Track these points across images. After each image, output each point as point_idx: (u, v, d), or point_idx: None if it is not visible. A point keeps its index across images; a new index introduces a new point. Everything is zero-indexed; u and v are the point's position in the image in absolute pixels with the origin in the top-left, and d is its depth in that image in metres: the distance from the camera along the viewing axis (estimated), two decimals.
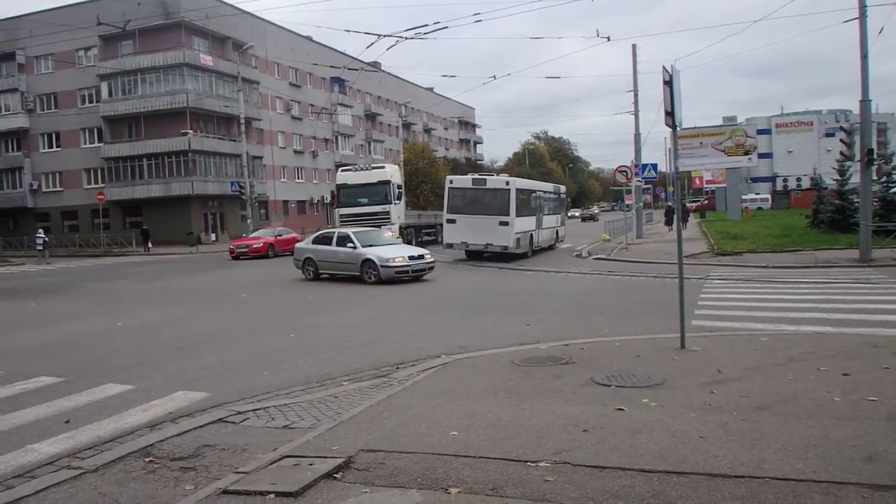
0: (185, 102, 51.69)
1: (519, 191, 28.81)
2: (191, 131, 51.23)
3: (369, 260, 21.10)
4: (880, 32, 30.79)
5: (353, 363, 9.72)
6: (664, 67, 9.52)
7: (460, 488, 4.86)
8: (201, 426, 6.81)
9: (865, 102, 23.33)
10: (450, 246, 28.46)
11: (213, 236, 54.63)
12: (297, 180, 68.63)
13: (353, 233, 22.73)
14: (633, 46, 38.57)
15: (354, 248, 21.69)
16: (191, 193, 52.19)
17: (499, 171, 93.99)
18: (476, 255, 28.80)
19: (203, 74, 53.76)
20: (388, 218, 33.49)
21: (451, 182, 29.42)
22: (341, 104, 72.85)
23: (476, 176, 32.23)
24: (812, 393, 7.05)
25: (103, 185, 53.92)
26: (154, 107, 52.37)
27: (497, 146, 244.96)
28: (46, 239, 42.65)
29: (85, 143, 56.59)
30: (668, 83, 9.40)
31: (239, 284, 22.55)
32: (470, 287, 19.51)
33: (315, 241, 23.56)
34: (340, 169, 34.99)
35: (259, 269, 29.11)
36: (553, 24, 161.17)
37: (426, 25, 25.19)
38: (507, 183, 28.41)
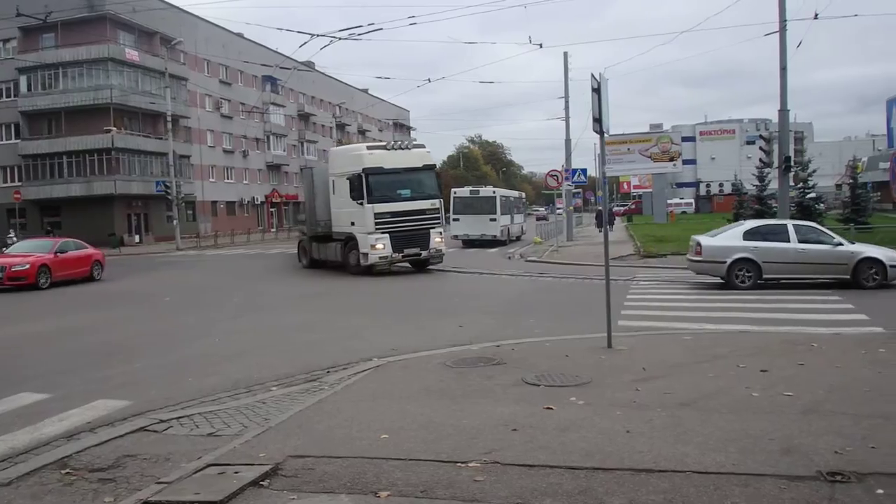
0: (110, 98, 50.16)
1: (501, 197, 40.26)
2: (115, 128, 49.81)
3: (870, 260, 16.03)
4: (798, 46, 31.92)
5: (283, 367, 9.61)
6: (593, 75, 9.75)
7: (390, 491, 4.87)
8: (122, 435, 6.58)
9: (784, 112, 24.17)
10: (456, 237, 37.41)
11: (136, 238, 53.25)
12: (226, 180, 67.43)
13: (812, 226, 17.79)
14: (565, 54, 39.24)
15: (836, 245, 16.44)
16: (114, 193, 50.64)
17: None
18: (471, 244, 37.65)
19: (129, 70, 52.30)
20: (438, 219, 24.79)
21: (455, 193, 40.30)
22: (273, 103, 71.86)
23: (472, 188, 42.70)
24: (732, 389, 7.32)
25: (20, 183, 51.77)
26: (76, 102, 50.58)
27: (432, 148, 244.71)
28: None
29: (1, 140, 54.49)
30: (597, 90, 9.63)
31: (163, 286, 22.08)
32: (404, 290, 19.52)
33: (748, 237, 16.90)
34: (367, 146, 23.75)
35: (187, 269, 28.58)
36: (491, 29, 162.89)
37: (360, 26, 25.18)
38: (494, 192, 40.28)
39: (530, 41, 49.12)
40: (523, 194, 51.02)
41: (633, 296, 15.92)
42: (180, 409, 7.64)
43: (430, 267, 24.41)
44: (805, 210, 33.34)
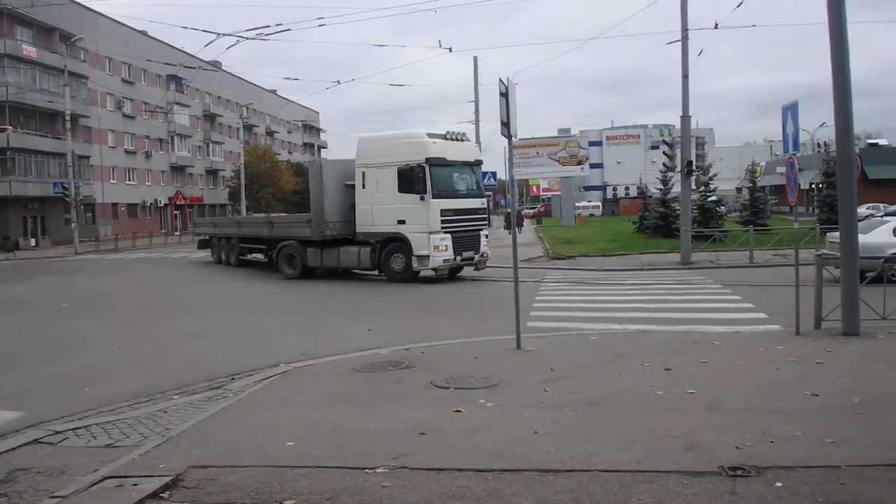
0: (5, 96, 47.86)
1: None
2: (10, 127, 47.66)
3: None
4: (700, 54, 33.03)
5: (185, 375, 9.31)
6: (501, 80, 9.84)
7: (296, 500, 4.76)
8: (14, 448, 6.26)
9: (685, 118, 24.98)
10: None
11: (32, 241, 50.98)
12: (128, 182, 65.33)
13: None
14: (475, 59, 39.45)
15: None
16: (8, 195, 48.30)
17: None
18: None
19: (26, 67, 50.01)
20: (487, 220, 23.26)
21: None
22: (178, 103, 70.04)
23: None
24: (637, 387, 7.46)
25: None
26: None
27: (343, 150, 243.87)
28: None
29: None
30: (505, 95, 9.72)
31: (60, 292, 21.17)
32: (312, 294, 19.24)
33: None
34: (426, 133, 20.55)
35: (86, 274, 27.52)
36: (402, 32, 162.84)
37: (268, 26, 24.76)
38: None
39: (440, 45, 49.24)
40: None
41: (542, 297, 16.11)
42: (77, 419, 7.32)
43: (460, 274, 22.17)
44: (706, 212, 34.58)
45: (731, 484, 4.81)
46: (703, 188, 36.09)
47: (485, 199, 22.49)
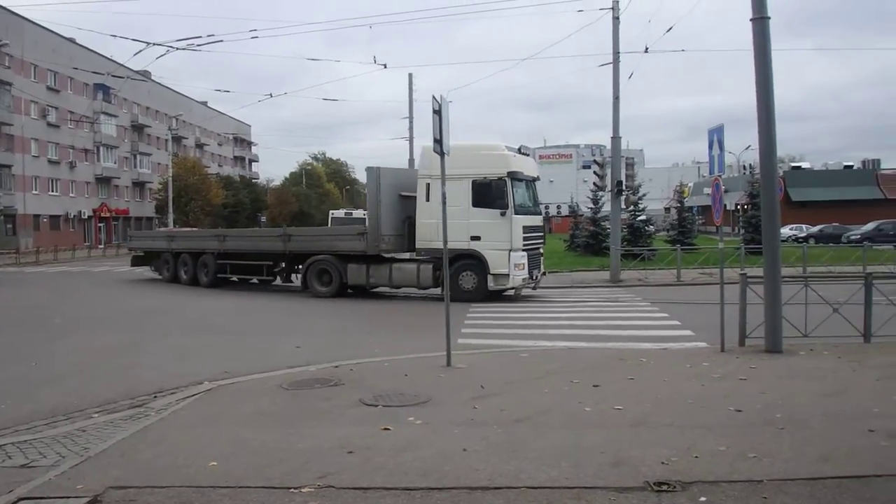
0: None
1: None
2: None
3: None
4: (630, 77, 33.78)
5: (105, 392, 8.99)
6: (434, 97, 9.87)
7: None
8: None
9: (616, 139, 25.50)
10: None
11: None
12: (51, 193, 63.36)
13: None
14: (410, 75, 39.68)
15: None
16: None
17: (273, 190, 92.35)
18: None
19: None
20: (544, 237, 22.01)
21: (332, 213, 44.39)
22: (105, 113, 68.32)
23: (346, 210, 48.58)
24: (566, 404, 7.50)
25: None
26: None
27: (276, 165, 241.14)
28: None
29: None
30: (438, 112, 9.76)
31: None
32: (242, 310, 18.88)
33: None
34: (505, 146, 19.47)
35: (4, 287, 26.51)
36: (336, 46, 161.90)
37: (200, 37, 24.34)
38: (364, 213, 37.71)
39: (375, 61, 49.14)
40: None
41: (474, 314, 16.11)
42: None
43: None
44: (636, 231, 35.27)
45: (657, 499, 4.87)
46: (632, 208, 36.86)
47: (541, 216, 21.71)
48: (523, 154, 20.03)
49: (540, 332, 13.26)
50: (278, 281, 23.72)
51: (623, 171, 31.50)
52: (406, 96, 38.83)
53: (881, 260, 27.23)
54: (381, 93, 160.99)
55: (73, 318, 17.14)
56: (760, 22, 10.65)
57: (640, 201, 37.53)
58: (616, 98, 25.09)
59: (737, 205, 53.18)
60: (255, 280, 24.19)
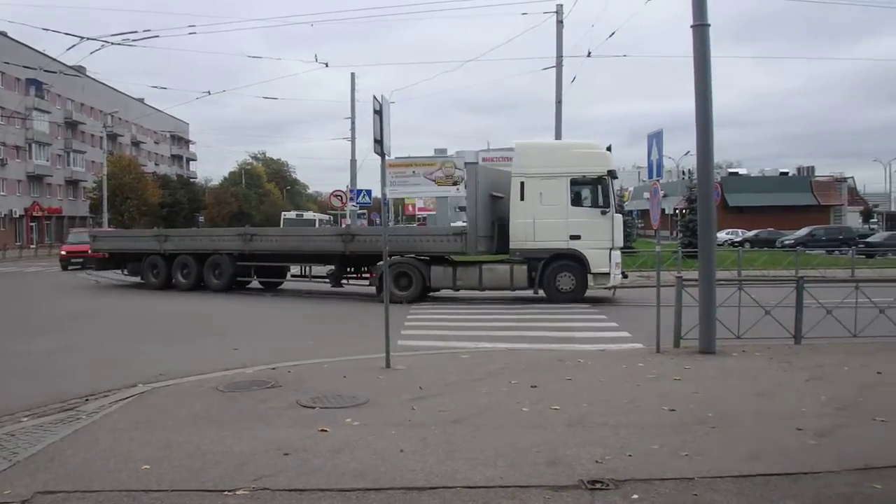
0: None
1: (318, 219, 45.57)
2: None
3: None
4: (573, 81, 34.20)
5: (36, 396, 8.70)
6: (375, 97, 9.84)
7: None
8: None
9: None
10: None
11: None
12: None
13: None
14: (352, 75, 39.39)
15: None
16: None
17: (211, 190, 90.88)
18: None
19: None
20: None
21: (284, 215, 46.21)
22: (37, 109, 66.35)
23: (297, 211, 51.47)
24: (504, 404, 7.56)
25: None
26: None
27: (215, 164, 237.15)
28: None
29: None
30: (379, 112, 9.73)
31: None
32: (180, 311, 18.55)
33: None
34: (598, 144, 19.66)
35: None
36: (278, 44, 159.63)
37: (136, 32, 23.78)
38: (314, 215, 46.01)
39: (316, 59, 48.77)
40: (331, 217, 51.72)
41: (415, 315, 16.12)
42: None
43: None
44: None
45: (590, 497, 4.94)
46: None
47: None
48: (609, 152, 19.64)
49: (481, 334, 13.30)
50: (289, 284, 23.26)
51: None
52: (349, 96, 38.55)
53: (813, 264, 28.07)
54: (324, 92, 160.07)
55: (2, 321, 16.63)
56: (700, 29, 10.88)
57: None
58: (559, 102, 25.39)
59: (675, 209, 54.23)
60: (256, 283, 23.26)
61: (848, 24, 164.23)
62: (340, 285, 21.25)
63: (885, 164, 79.02)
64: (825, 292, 12.20)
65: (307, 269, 22.30)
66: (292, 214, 47.81)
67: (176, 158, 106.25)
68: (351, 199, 35.36)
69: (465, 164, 19.74)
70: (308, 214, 48.69)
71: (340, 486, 5.16)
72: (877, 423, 6.88)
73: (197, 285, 22.73)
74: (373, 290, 20.00)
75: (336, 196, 35.20)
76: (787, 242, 43.27)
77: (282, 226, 40.39)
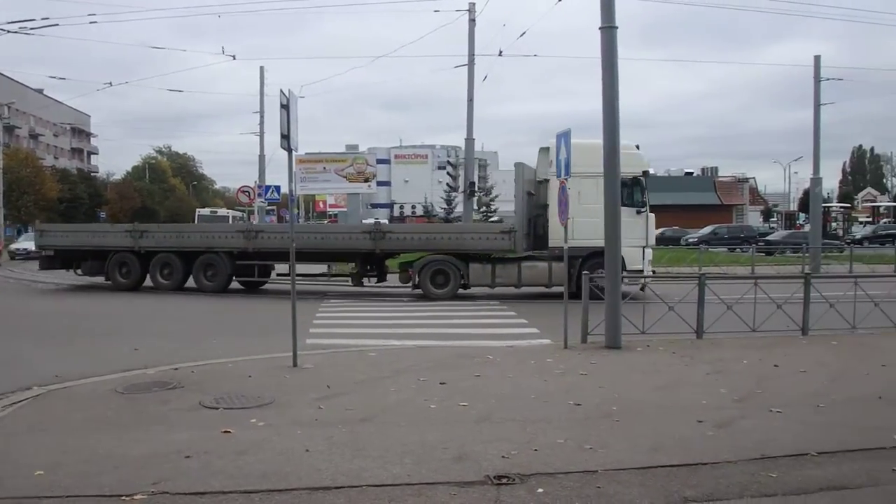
0: None
1: (231, 216, 44.13)
2: None
3: None
4: (484, 79, 34.43)
5: None
6: (282, 91, 9.67)
7: None
8: None
9: (470, 140, 25.91)
10: None
11: None
12: None
13: None
14: (261, 68, 38.66)
15: None
16: None
17: (114, 184, 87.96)
18: None
19: None
20: None
21: (199, 212, 45.80)
22: None
23: (211, 209, 50.03)
24: (412, 402, 7.56)
25: None
26: None
27: (118, 157, 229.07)
28: None
29: None
30: (286, 107, 9.57)
31: None
32: (79, 310, 17.85)
33: None
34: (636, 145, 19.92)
35: None
36: (186, 35, 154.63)
37: (33, 20, 22.80)
38: (227, 213, 45.14)
39: (223, 52, 47.77)
40: (243, 214, 50.03)
41: (323, 314, 15.95)
42: None
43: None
44: None
45: (496, 492, 4.97)
46: (484, 208, 37.58)
47: None
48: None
49: (390, 332, 13.26)
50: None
51: (476, 173, 32.10)
52: (258, 90, 37.83)
53: (716, 262, 29.06)
54: (232, 86, 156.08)
55: None
56: (608, 31, 11.11)
57: (492, 202, 38.33)
58: (470, 100, 25.52)
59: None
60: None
61: (752, 31, 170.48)
62: (362, 283, 20.83)
63: (785, 166, 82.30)
64: (726, 289, 12.64)
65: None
66: (206, 212, 47.77)
67: (76, 152, 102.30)
68: (259, 195, 34.77)
69: (515, 164, 19.62)
70: (222, 211, 48.36)
71: (244, 487, 5.05)
72: (773, 414, 7.16)
73: (181, 286, 21.11)
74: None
75: (244, 192, 34.56)
76: (691, 240, 44.63)
77: (196, 222, 40.30)
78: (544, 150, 19.79)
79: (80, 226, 28.80)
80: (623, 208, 17.22)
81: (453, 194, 40.37)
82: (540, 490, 5.01)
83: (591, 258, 18.08)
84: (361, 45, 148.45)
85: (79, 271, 22.37)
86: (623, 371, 9.40)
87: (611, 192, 11.68)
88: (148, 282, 21.33)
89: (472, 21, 25.20)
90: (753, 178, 72.23)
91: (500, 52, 25.70)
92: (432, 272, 19.43)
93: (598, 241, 17.16)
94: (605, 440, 6.18)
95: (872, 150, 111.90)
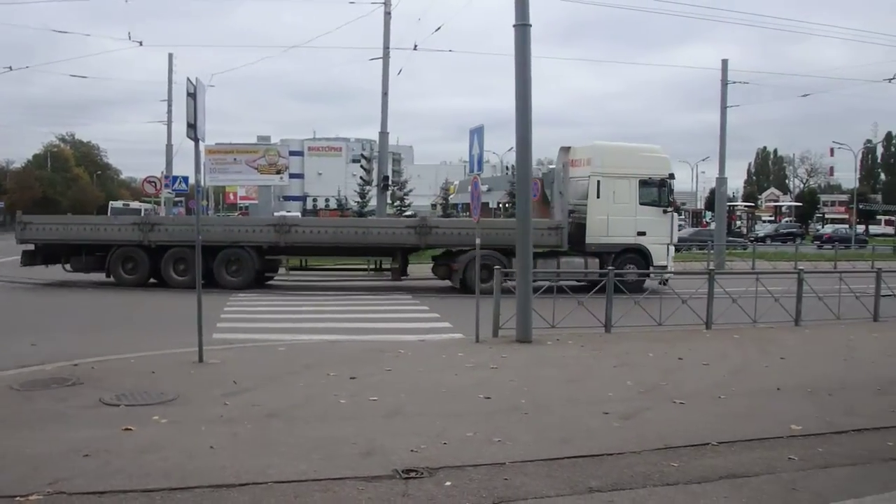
0: None
1: (143, 209, 41.30)
2: None
3: None
4: (399, 73, 34.33)
5: None
6: (189, 79, 9.41)
7: None
8: None
9: (384, 134, 25.81)
10: None
11: None
12: None
13: None
14: (170, 55, 37.54)
15: None
16: None
17: (13, 173, 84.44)
18: None
19: None
20: None
21: (112, 204, 46.71)
22: None
23: (124, 202, 50.99)
24: (321, 397, 7.48)
25: None
26: None
27: (18, 145, 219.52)
28: None
29: None
30: (193, 95, 9.31)
31: None
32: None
33: None
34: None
35: None
36: (92, 19, 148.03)
37: None
38: (140, 205, 43.12)
39: (130, 37, 46.06)
40: (154, 206, 48.63)
41: (232, 307, 15.61)
42: None
43: None
44: None
45: (404, 486, 4.97)
46: (398, 203, 37.54)
47: None
48: None
49: (300, 326, 13.06)
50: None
51: (390, 167, 32.01)
52: (166, 77, 36.69)
53: None
54: (139, 73, 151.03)
55: None
56: (522, 28, 11.21)
57: (406, 197, 38.33)
58: (385, 93, 25.40)
59: (499, 203, 55.83)
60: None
61: (663, 34, 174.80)
62: (400, 279, 20.52)
63: (693, 166, 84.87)
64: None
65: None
66: (119, 204, 48.74)
67: None
68: (166, 185, 33.77)
69: (555, 167, 20.51)
70: (134, 204, 48.05)
71: (144, 486, 4.90)
72: (676, 406, 7.38)
73: (192, 282, 18.98)
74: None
75: (150, 182, 33.54)
76: None
77: (108, 214, 39.52)
78: (564, 150, 21.14)
79: (74, 218, 26.23)
80: (651, 207, 20.12)
81: (367, 188, 40.08)
82: (448, 483, 5.03)
83: (623, 253, 19.76)
84: (275, 35, 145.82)
85: (67, 266, 20.71)
86: (533, 365, 9.54)
87: (523, 187, 11.81)
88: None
89: (388, 14, 25.07)
90: None
91: (415, 46, 25.60)
92: (482, 266, 19.34)
93: (630, 238, 20.00)
94: (514, 433, 6.25)
95: (776, 151, 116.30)
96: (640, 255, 19.96)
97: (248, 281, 19.75)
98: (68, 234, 20.67)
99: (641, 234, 19.95)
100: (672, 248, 20.72)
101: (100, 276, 19.98)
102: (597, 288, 12.91)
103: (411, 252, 20.91)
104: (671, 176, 20.54)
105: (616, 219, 19.85)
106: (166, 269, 19.80)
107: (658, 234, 20.03)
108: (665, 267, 19.45)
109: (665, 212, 20.10)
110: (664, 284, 18.16)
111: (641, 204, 20.00)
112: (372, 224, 23.26)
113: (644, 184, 20.04)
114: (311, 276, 21.74)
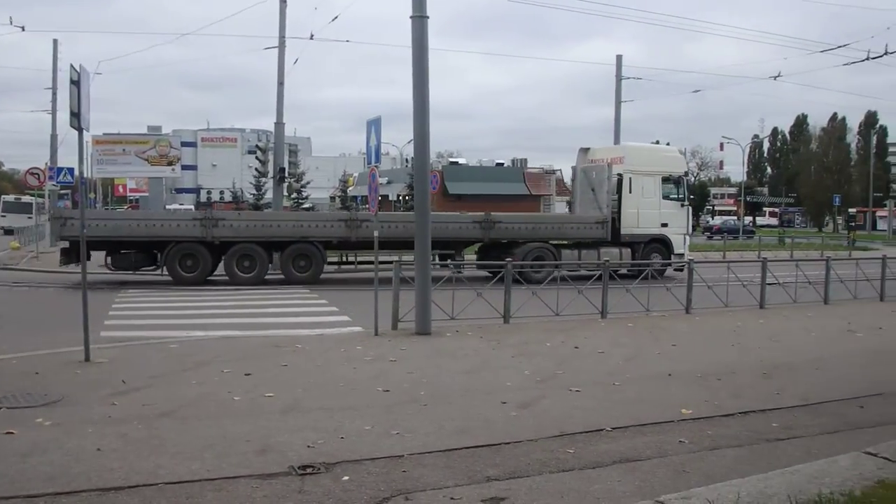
0: None
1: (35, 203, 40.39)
2: None
3: None
4: (295, 62, 33.80)
5: None
6: (72, 66, 9.03)
7: None
8: None
9: (280, 125, 25.41)
10: None
11: None
12: None
13: None
14: (55, 41, 35.72)
15: None
16: None
17: None
18: None
19: None
20: None
21: (4, 198, 46.96)
22: None
23: (16, 195, 49.03)
24: (215, 395, 7.30)
25: None
26: None
27: None
28: None
29: None
30: (76, 83, 8.92)
31: None
32: None
33: None
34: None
35: None
36: None
37: None
38: (30, 199, 41.38)
39: (11, 22, 43.81)
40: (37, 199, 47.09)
41: (121, 304, 15.05)
42: None
43: None
44: None
45: (300, 482, 4.91)
46: (295, 195, 37.04)
47: None
48: None
49: (193, 322, 12.68)
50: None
51: (286, 158, 31.50)
52: (50, 65, 34.98)
53: None
54: (21, 60, 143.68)
55: None
56: (419, 20, 11.20)
57: (303, 189, 37.85)
58: (281, 83, 25.00)
59: (399, 195, 55.77)
60: None
61: (560, 30, 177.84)
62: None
63: None
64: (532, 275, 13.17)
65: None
66: (11, 198, 49.35)
67: None
68: (50, 177, 32.22)
69: (597, 166, 22.54)
70: (25, 198, 46.56)
71: (27, 491, 4.68)
72: (572, 394, 7.55)
73: (262, 279, 19.35)
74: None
75: (33, 174, 31.89)
76: None
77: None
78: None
79: (123, 213, 24.34)
80: (671, 201, 22.70)
81: (263, 180, 39.35)
82: (345, 478, 4.99)
83: (651, 243, 22.05)
84: (167, 21, 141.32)
85: (110, 265, 19.57)
86: (432, 356, 9.58)
87: (421, 179, 11.81)
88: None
89: (284, 2, 24.66)
90: (560, 170, 75.45)
91: (312, 35, 25.29)
92: (533, 258, 20.81)
93: (655, 230, 22.44)
94: (412, 425, 6.26)
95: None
96: (662, 245, 22.31)
97: (317, 276, 19.89)
98: (118, 230, 19.56)
99: (664, 225, 22.34)
100: (688, 238, 23.27)
101: None
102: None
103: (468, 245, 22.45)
104: (686, 173, 23.36)
105: (645, 212, 22.17)
106: (230, 266, 19.44)
107: (678, 225, 22.62)
108: (683, 255, 21.50)
109: (683, 205, 22.76)
110: (682, 271, 19.67)
111: (663, 198, 22.43)
112: (435, 219, 23.44)
113: (665, 180, 22.57)
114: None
